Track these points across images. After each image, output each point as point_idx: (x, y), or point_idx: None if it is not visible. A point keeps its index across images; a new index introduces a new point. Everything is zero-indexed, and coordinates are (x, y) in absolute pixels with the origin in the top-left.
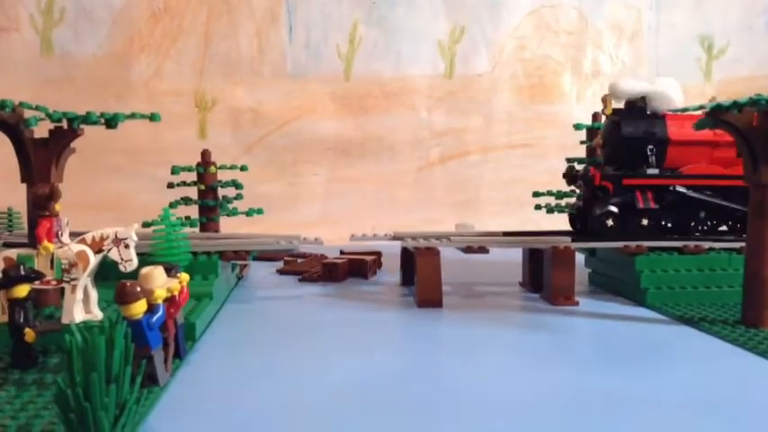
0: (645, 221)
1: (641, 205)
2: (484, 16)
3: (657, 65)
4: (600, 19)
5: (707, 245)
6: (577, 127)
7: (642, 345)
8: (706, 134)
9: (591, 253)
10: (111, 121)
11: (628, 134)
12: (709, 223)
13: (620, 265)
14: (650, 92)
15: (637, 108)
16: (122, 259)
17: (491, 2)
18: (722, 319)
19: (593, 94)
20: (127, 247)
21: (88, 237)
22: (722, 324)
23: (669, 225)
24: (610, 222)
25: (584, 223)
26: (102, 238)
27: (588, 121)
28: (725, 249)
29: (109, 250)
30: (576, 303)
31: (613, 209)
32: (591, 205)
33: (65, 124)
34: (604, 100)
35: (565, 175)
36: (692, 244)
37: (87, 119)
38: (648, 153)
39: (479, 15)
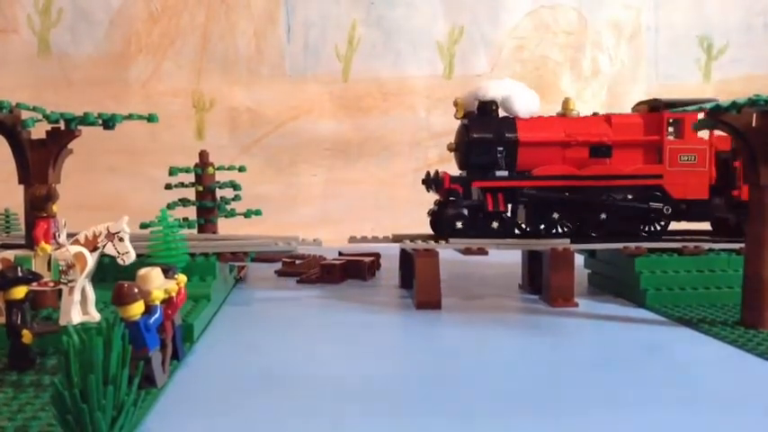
0: (495, 224)
1: (491, 208)
2: (483, 16)
3: (657, 65)
4: (599, 19)
5: (706, 246)
6: None
7: (641, 346)
8: (557, 135)
9: (590, 254)
10: (108, 122)
11: (476, 137)
12: (562, 224)
13: (620, 267)
14: (501, 96)
15: (488, 111)
16: (119, 253)
17: (490, 2)
18: (722, 321)
19: (592, 94)
20: (121, 240)
21: (81, 236)
22: (722, 325)
23: (523, 227)
24: (459, 224)
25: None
26: (95, 236)
27: None
28: (724, 250)
29: (104, 246)
30: (576, 305)
31: (464, 211)
32: (444, 207)
33: (62, 125)
34: (456, 104)
35: (423, 181)
36: (691, 245)
37: (85, 120)
38: (498, 155)
39: (478, 16)
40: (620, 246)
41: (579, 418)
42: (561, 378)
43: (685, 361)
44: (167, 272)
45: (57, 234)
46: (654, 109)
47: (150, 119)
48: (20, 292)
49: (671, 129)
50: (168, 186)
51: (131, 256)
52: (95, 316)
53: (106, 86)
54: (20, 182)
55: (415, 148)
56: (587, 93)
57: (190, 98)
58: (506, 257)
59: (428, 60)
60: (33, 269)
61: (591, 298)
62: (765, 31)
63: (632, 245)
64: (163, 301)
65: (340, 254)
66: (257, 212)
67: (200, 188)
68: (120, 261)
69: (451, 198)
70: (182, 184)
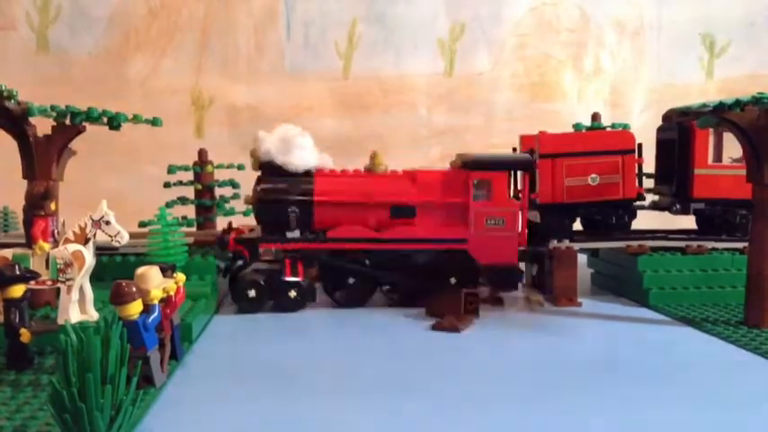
0: (293, 293)
1: (288, 275)
2: (484, 14)
3: (659, 63)
4: (601, 16)
5: (710, 245)
6: (576, 127)
7: (644, 346)
8: (355, 195)
9: (593, 253)
10: (113, 121)
11: (265, 196)
12: (360, 290)
13: (623, 266)
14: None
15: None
16: (111, 236)
17: None
18: (725, 320)
19: (594, 92)
20: (108, 223)
21: (70, 234)
22: (725, 325)
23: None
24: (252, 293)
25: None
26: (82, 228)
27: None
28: (727, 249)
29: (94, 235)
30: (579, 304)
31: (258, 279)
32: (239, 270)
33: (68, 120)
34: (252, 155)
35: (217, 240)
36: (694, 244)
37: (89, 115)
38: (290, 215)
39: (480, 13)
40: (622, 245)
41: (581, 417)
42: (564, 377)
43: (688, 360)
44: (166, 271)
45: (56, 232)
46: (464, 165)
47: (154, 123)
48: (18, 290)
49: (477, 190)
50: (167, 184)
51: (124, 235)
52: (94, 315)
53: (105, 83)
54: (24, 177)
55: (416, 146)
56: (590, 91)
57: (189, 95)
58: None
59: (429, 58)
60: (31, 267)
61: (594, 297)
62: None
63: (635, 244)
64: (161, 301)
65: None
66: None
67: (199, 186)
68: (115, 243)
69: (239, 261)
70: (180, 183)
